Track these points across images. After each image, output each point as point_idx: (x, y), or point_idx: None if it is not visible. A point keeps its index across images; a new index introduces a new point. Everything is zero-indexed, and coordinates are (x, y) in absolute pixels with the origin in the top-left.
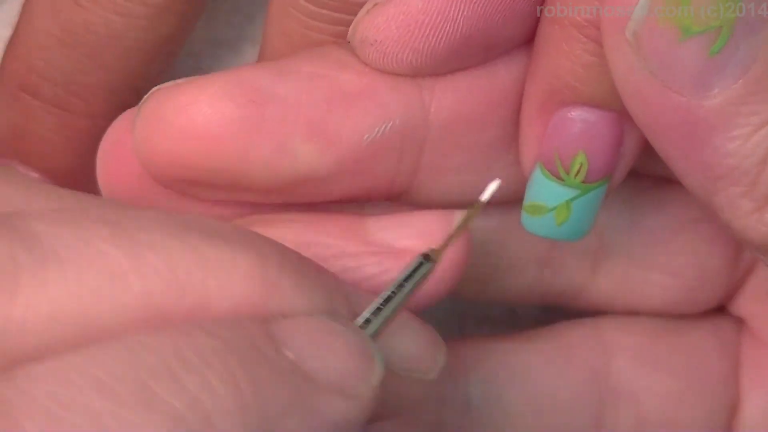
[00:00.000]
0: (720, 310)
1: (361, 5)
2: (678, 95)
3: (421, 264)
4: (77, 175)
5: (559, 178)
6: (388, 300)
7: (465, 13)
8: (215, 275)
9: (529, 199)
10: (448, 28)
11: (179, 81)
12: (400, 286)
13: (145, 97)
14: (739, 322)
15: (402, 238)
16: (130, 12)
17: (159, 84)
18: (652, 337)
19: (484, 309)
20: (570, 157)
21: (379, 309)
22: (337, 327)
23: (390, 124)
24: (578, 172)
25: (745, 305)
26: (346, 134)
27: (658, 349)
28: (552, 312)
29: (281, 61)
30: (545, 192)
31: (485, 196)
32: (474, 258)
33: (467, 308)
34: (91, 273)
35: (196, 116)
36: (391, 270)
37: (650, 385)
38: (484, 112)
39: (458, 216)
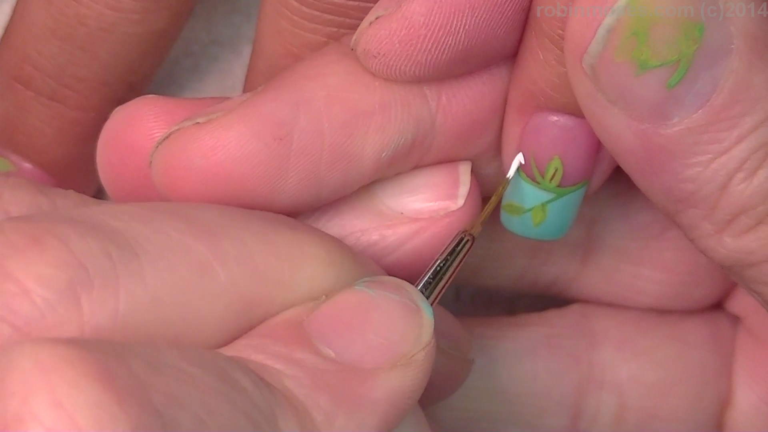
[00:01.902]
0: (717, 307)
1: (353, 8)
2: (637, 123)
3: (460, 240)
4: (70, 167)
5: (534, 180)
6: (435, 276)
7: (466, 26)
8: (288, 261)
9: (507, 199)
10: (449, 41)
11: (198, 119)
12: (444, 262)
13: (162, 136)
14: (736, 318)
15: (412, 203)
16: (122, 6)
17: (152, 77)
18: (641, 328)
19: (483, 305)
20: (545, 161)
21: (428, 283)
22: (378, 295)
23: (403, 139)
24: (553, 176)
25: (740, 302)
26: (367, 155)
27: (645, 339)
28: (551, 304)
29: (294, 81)
30: (522, 193)
31: (511, 173)
32: None
33: (466, 307)
34: (180, 264)
35: (224, 160)
36: (408, 239)
37: (634, 376)
38: (485, 117)
39: (462, 169)
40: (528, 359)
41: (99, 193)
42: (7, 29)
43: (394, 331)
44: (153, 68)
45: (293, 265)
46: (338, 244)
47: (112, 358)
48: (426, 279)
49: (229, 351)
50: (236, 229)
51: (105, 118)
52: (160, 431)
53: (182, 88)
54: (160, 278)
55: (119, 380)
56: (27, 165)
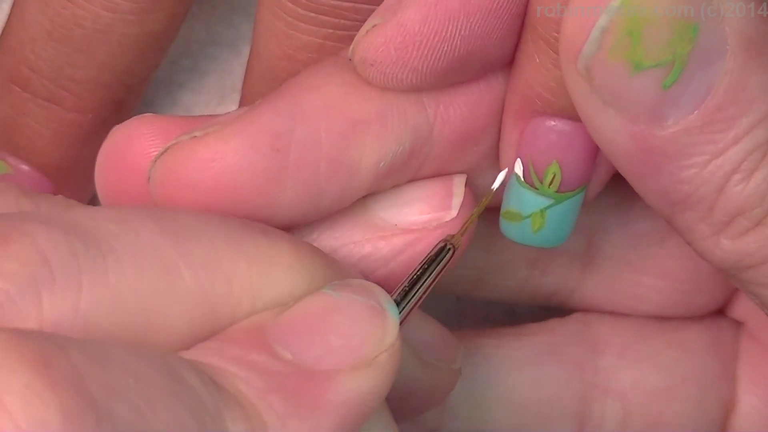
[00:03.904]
0: (719, 313)
1: (348, 9)
2: (632, 124)
3: (441, 249)
4: (67, 169)
5: (533, 186)
6: (413, 285)
7: (462, 33)
8: (257, 267)
9: (505, 206)
10: (445, 48)
11: (195, 133)
12: (423, 271)
13: (160, 151)
14: (738, 323)
15: (406, 214)
16: (118, 7)
17: (150, 79)
18: (642, 334)
19: (483, 307)
20: (543, 167)
21: (405, 293)
22: (342, 298)
23: (401, 148)
24: (552, 181)
25: (742, 307)
26: (365, 165)
27: (647, 345)
28: (551, 310)
29: (291, 92)
30: (520, 199)
31: (496, 184)
32: (466, 255)
33: (466, 307)
34: (147, 265)
35: (222, 173)
36: (402, 250)
37: (637, 382)
38: (483, 125)
39: (456, 180)
40: (532, 367)
41: (96, 196)
42: (4, 31)
43: (355, 333)
44: (150, 70)
45: (262, 271)
46: (312, 251)
47: (49, 346)
48: (402, 287)
49: (187, 354)
50: (207, 233)
51: (103, 120)
52: (93, 419)
53: (182, 88)
54: (125, 277)
55: (54, 367)
56: (24, 167)
